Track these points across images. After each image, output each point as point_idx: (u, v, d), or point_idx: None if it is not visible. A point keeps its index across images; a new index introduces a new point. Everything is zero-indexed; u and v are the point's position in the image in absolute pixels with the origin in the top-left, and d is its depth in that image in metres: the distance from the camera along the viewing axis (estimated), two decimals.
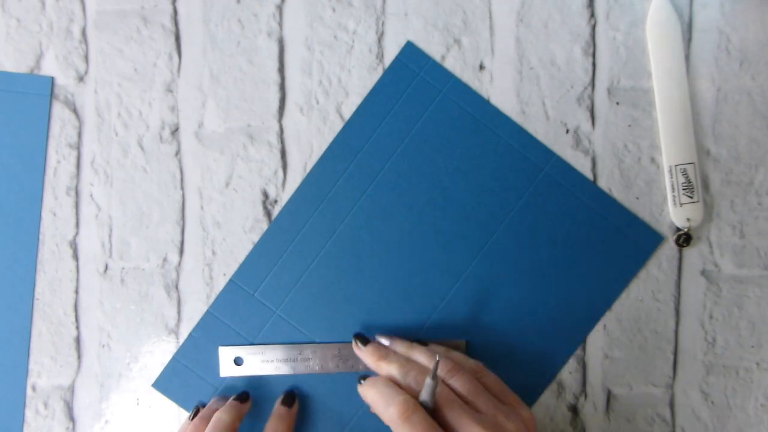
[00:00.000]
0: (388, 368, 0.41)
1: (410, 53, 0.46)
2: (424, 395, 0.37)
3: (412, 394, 0.38)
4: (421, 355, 0.42)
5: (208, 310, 0.47)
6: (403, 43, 0.46)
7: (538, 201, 0.46)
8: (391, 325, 0.46)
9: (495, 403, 0.38)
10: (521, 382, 0.45)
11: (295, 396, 0.46)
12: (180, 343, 0.47)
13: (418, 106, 0.46)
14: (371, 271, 0.46)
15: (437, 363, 0.37)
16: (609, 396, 0.47)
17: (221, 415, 0.43)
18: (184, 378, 0.46)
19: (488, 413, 0.37)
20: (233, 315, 0.46)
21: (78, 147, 0.47)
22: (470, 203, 0.46)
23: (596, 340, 0.46)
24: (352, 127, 0.46)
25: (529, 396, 0.46)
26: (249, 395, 0.46)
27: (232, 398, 0.45)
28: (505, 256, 0.46)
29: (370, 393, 0.40)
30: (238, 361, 0.46)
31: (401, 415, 0.36)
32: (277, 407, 0.45)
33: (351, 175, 0.46)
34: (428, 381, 0.37)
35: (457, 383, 0.39)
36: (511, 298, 0.46)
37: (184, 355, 0.46)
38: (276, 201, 0.47)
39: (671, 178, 0.45)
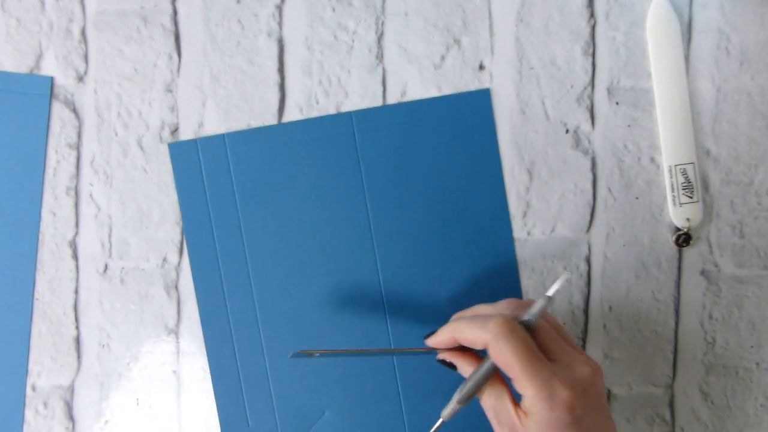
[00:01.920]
0: (474, 309, 0.39)
1: (180, 151, 0.46)
2: (529, 315, 0.35)
3: None
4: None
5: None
6: (403, 42, 0.46)
7: (375, 157, 0.46)
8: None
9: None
10: None
11: None
12: (180, 344, 0.47)
13: (223, 184, 0.46)
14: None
15: (566, 278, 0.36)
16: (609, 396, 0.47)
17: None
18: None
19: (572, 343, 0.37)
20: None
21: (78, 147, 0.47)
22: (331, 213, 0.46)
23: (596, 340, 0.46)
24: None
25: None
26: None
27: None
28: (396, 225, 0.46)
29: (455, 325, 0.37)
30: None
31: (504, 326, 0.34)
32: None
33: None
34: (542, 300, 0.36)
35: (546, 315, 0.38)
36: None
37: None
38: None
39: (671, 178, 0.45)
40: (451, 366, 0.39)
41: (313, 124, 0.46)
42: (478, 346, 0.36)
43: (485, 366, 0.36)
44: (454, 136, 0.46)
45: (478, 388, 0.36)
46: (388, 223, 0.46)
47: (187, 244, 0.46)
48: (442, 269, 0.46)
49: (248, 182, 0.46)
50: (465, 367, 0.38)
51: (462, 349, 0.39)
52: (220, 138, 0.46)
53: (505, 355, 0.34)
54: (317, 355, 0.39)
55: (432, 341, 0.39)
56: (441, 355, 0.40)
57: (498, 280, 0.46)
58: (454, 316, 0.40)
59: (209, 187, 0.46)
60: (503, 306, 0.38)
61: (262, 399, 0.46)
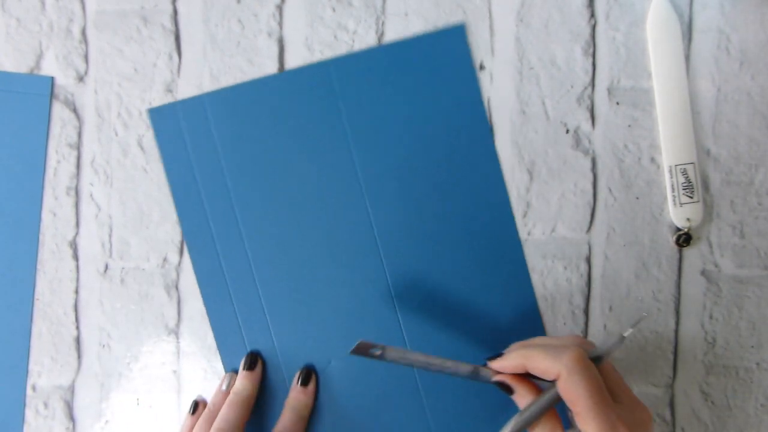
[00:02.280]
0: (536, 340, 0.39)
1: (160, 116, 0.46)
2: (601, 351, 0.36)
3: None
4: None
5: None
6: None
7: (357, 104, 0.46)
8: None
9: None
10: None
11: (312, 374, 0.46)
12: (180, 344, 0.47)
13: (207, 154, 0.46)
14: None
15: (643, 317, 0.37)
16: None
17: (227, 414, 0.43)
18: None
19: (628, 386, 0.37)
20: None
21: (78, 147, 0.47)
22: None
23: (596, 340, 0.46)
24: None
25: None
26: (258, 358, 0.46)
27: (241, 368, 0.45)
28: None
29: (526, 352, 0.37)
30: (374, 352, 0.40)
31: (580, 358, 0.34)
32: (294, 387, 0.46)
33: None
34: (616, 339, 0.36)
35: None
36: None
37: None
38: None
39: (671, 178, 0.45)
40: (508, 390, 0.38)
41: (291, 76, 0.46)
42: (548, 377, 0.36)
43: (547, 397, 0.36)
44: (432, 75, 0.46)
45: (537, 418, 0.36)
46: (375, 167, 0.46)
47: (176, 209, 0.47)
48: (433, 213, 0.46)
49: (232, 141, 0.46)
50: (524, 394, 0.38)
51: (521, 376, 0.38)
52: (200, 99, 0.46)
53: (576, 390, 0.34)
54: (378, 353, 0.38)
55: (498, 365, 0.38)
56: (501, 377, 0.39)
57: (496, 237, 0.46)
58: (515, 345, 0.40)
59: (193, 149, 0.46)
60: (568, 340, 0.38)
61: (266, 352, 0.47)
